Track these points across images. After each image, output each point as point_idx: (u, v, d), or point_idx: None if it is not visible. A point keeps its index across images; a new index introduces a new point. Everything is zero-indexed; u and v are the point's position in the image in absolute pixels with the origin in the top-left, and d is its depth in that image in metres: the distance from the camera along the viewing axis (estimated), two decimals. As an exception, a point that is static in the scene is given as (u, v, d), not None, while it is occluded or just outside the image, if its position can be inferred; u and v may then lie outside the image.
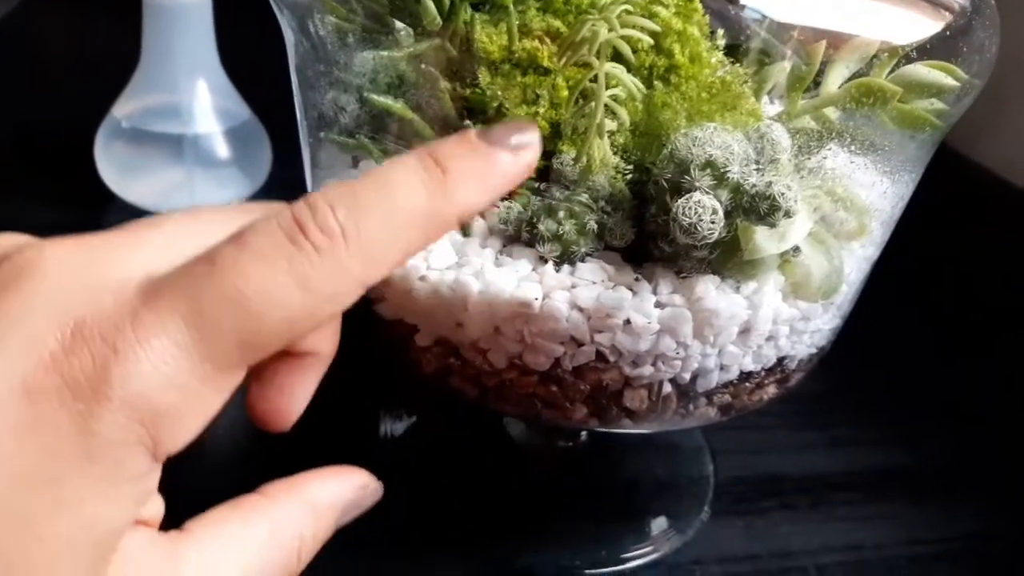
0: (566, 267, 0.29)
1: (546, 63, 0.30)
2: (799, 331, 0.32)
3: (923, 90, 0.31)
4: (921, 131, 0.31)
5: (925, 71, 0.30)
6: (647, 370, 0.30)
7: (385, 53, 0.30)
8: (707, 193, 0.27)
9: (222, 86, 0.60)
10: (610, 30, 0.27)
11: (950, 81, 0.30)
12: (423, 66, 0.30)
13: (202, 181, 0.59)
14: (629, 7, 0.28)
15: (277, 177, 0.63)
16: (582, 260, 0.29)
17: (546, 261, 0.29)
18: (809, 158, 0.30)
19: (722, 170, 0.27)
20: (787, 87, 0.32)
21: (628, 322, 0.29)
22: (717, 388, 0.32)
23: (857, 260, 0.33)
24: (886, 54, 0.30)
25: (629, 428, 0.32)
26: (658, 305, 0.29)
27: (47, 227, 0.61)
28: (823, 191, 0.30)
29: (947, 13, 0.32)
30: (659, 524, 0.43)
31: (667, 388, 0.31)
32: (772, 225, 0.27)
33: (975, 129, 0.61)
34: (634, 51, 0.30)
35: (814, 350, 0.34)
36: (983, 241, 0.62)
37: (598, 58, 0.28)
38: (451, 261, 0.30)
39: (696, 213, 0.26)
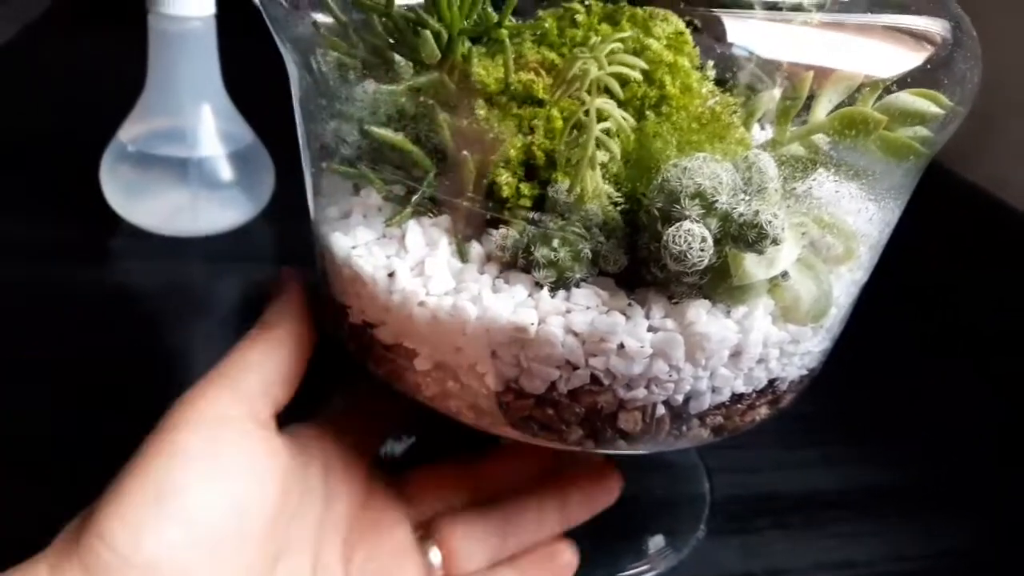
0: (561, 293, 0.31)
1: (541, 95, 0.31)
2: (789, 353, 0.33)
3: (908, 118, 0.32)
4: (906, 158, 0.32)
5: (910, 99, 0.32)
6: (641, 393, 0.31)
7: (385, 87, 0.31)
8: (696, 222, 0.28)
9: (226, 110, 0.61)
10: (600, 68, 0.28)
11: (934, 109, 0.32)
12: (422, 99, 0.31)
13: (206, 204, 0.61)
14: (619, 44, 0.29)
15: (280, 200, 0.64)
16: (577, 286, 0.31)
17: (542, 287, 0.30)
18: (797, 185, 0.31)
19: (711, 199, 0.28)
20: (776, 116, 0.33)
21: (622, 346, 0.30)
22: (709, 410, 0.33)
23: (845, 284, 0.34)
24: (868, 88, 0.31)
25: (624, 449, 0.33)
26: (651, 329, 0.30)
27: (53, 249, 0.63)
28: (811, 217, 0.31)
29: (929, 46, 0.33)
30: (656, 542, 0.43)
31: (660, 410, 0.32)
32: (760, 252, 0.28)
33: (967, 148, 0.62)
34: (626, 83, 0.31)
35: (805, 372, 0.35)
36: (975, 260, 0.63)
37: (589, 94, 0.29)
38: (449, 287, 0.31)
39: (686, 241, 0.27)
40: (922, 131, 0.32)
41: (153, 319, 0.55)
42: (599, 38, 0.30)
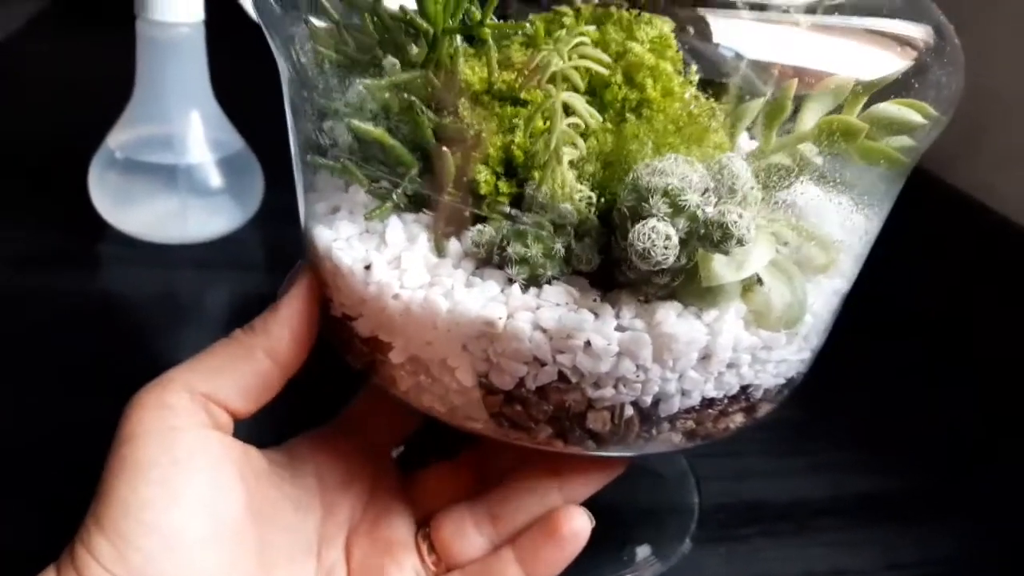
0: (532, 289, 0.31)
1: (524, 95, 0.32)
2: (762, 360, 0.33)
3: (892, 127, 0.32)
4: (887, 167, 0.33)
5: (894, 109, 0.32)
6: (608, 392, 0.31)
7: (369, 82, 0.31)
8: (663, 220, 0.28)
9: (215, 116, 0.62)
10: (562, 61, 0.29)
11: (918, 118, 0.32)
12: (404, 95, 0.32)
13: (195, 210, 0.61)
14: (586, 39, 0.29)
15: (269, 206, 0.65)
16: (549, 283, 0.31)
17: (514, 283, 0.31)
18: (779, 192, 0.31)
19: (678, 198, 0.28)
20: (761, 123, 0.33)
21: (588, 344, 0.30)
22: (680, 413, 0.33)
23: (824, 293, 0.35)
24: (859, 89, 0.32)
25: (593, 450, 0.33)
26: (619, 328, 0.30)
27: (41, 256, 0.63)
28: (790, 225, 0.32)
29: (912, 51, 0.33)
30: (642, 551, 0.43)
31: (629, 411, 0.32)
32: (726, 252, 0.28)
33: (954, 154, 0.62)
34: (607, 85, 0.31)
35: (782, 381, 0.36)
36: (964, 267, 0.63)
37: (554, 86, 0.29)
38: (424, 281, 0.32)
39: (650, 239, 0.28)
40: (905, 140, 0.33)
41: (142, 327, 0.55)
42: (563, 31, 0.31)
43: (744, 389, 0.34)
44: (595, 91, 0.32)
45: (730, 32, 0.33)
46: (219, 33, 0.60)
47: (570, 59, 0.29)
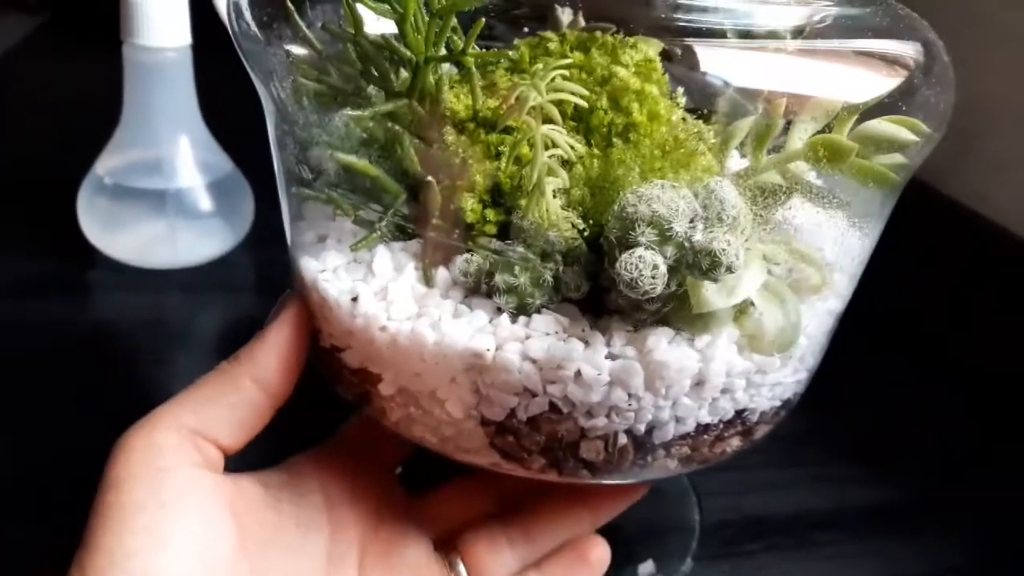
0: (522, 319, 0.31)
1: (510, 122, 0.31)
2: (757, 384, 0.33)
3: (883, 145, 0.32)
4: (880, 185, 0.33)
5: (885, 126, 0.32)
6: (601, 421, 0.31)
7: (352, 113, 0.31)
8: (651, 248, 0.28)
9: (204, 140, 0.62)
10: (540, 94, 0.29)
11: (909, 136, 0.32)
12: (389, 125, 0.32)
13: (185, 234, 0.61)
14: (563, 72, 0.29)
15: (260, 228, 0.64)
16: (538, 312, 0.31)
17: (503, 312, 0.31)
18: (769, 213, 0.31)
19: (665, 227, 0.28)
20: (751, 143, 0.33)
21: (579, 373, 0.30)
22: (674, 440, 0.33)
23: (818, 313, 0.35)
24: (845, 112, 0.32)
25: (588, 480, 0.33)
26: (610, 357, 0.30)
27: (29, 281, 0.63)
28: (783, 246, 0.32)
29: (902, 70, 0.33)
30: (645, 569, 0.43)
31: (623, 439, 0.32)
32: (715, 280, 0.28)
33: (947, 164, 0.62)
34: (593, 110, 0.31)
35: (777, 403, 0.36)
36: (958, 276, 0.63)
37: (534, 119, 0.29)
38: (411, 312, 0.32)
39: (637, 268, 0.28)
40: (897, 158, 0.33)
41: (132, 353, 0.55)
42: (540, 64, 0.30)
43: (739, 413, 0.34)
44: (581, 116, 0.32)
45: (717, 60, 0.33)
46: (207, 54, 0.60)
47: (549, 92, 0.29)
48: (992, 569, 0.46)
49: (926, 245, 0.63)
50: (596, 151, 0.32)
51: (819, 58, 0.34)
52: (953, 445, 0.56)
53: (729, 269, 0.27)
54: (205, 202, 0.61)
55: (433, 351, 0.30)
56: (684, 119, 0.32)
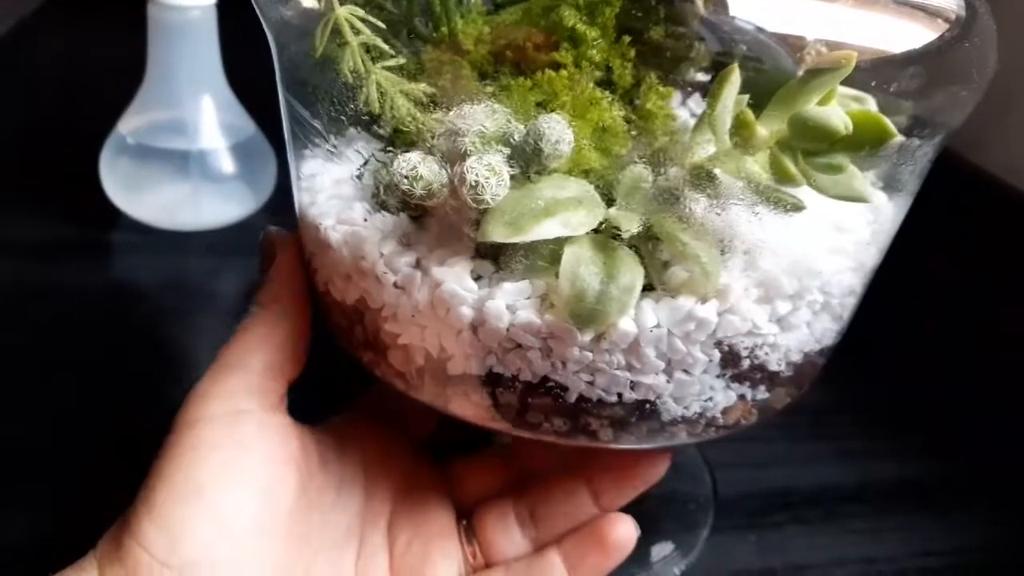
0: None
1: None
2: (548, 350, 0.31)
3: (809, 134, 0.28)
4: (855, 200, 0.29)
5: (817, 112, 0.28)
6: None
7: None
8: (431, 155, 0.28)
9: (227, 101, 0.62)
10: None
11: (840, 126, 0.27)
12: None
13: (208, 196, 0.62)
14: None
15: (283, 191, 0.65)
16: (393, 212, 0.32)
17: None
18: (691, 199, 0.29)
19: (456, 140, 0.28)
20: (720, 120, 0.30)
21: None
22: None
23: (678, 311, 0.30)
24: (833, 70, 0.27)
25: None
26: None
27: (52, 245, 0.64)
28: (684, 234, 0.29)
29: (943, 23, 0.32)
30: (662, 548, 0.43)
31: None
32: (476, 204, 0.28)
33: (979, 135, 0.62)
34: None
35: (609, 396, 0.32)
36: (991, 249, 0.63)
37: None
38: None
39: (401, 168, 0.28)
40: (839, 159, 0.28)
41: (155, 314, 0.56)
42: None
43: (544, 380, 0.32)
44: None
45: (747, 3, 0.32)
46: (231, 16, 0.61)
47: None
48: (1019, 546, 0.46)
49: (956, 217, 0.63)
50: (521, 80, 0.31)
51: (856, 4, 0.32)
52: (981, 418, 0.56)
53: (486, 202, 0.27)
54: (228, 164, 0.62)
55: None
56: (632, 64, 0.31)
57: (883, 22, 0.33)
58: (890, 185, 0.34)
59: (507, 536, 0.37)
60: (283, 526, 0.32)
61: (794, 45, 0.31)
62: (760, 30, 0.31)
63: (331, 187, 0.35)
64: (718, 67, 0.30)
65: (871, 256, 0.35)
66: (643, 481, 0.38)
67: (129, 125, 0.61)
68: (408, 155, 0.28)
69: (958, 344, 0.62)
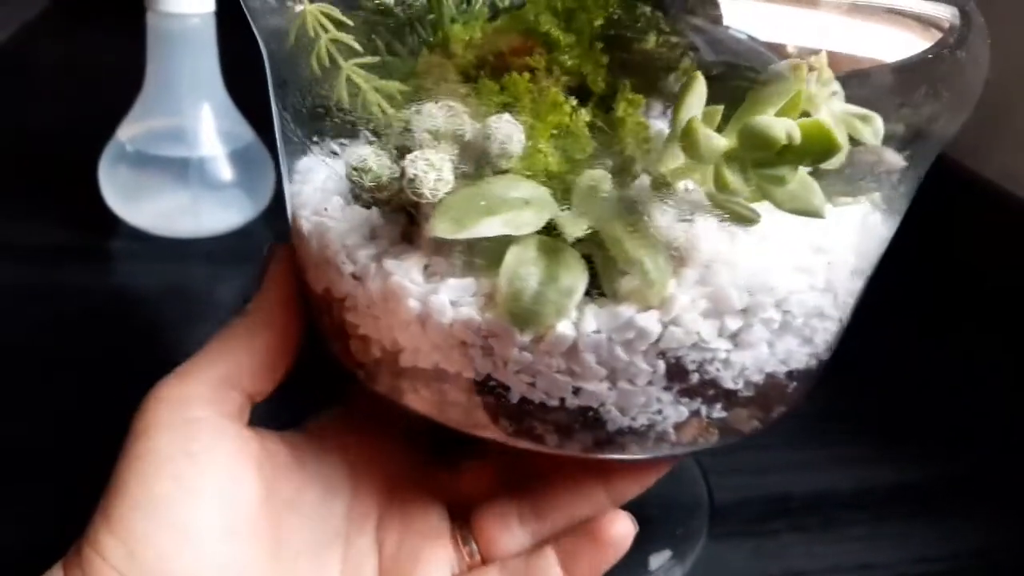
0: None
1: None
2: (490, 349, 0.31)
3: (754, 142, 0.27)
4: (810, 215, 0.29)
5: (764, 121, 0.27)
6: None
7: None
8: (384, 150, 0.29)
9: (226, 109, 0.63)
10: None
11: (781, 134, 0.26)
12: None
13: (207, 204, 0.62)
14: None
15: (281, 199, 0.65)
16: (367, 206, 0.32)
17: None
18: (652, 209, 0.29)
19: (404, 135, 0.29)
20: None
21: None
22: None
23: (618, 318, 0.30)
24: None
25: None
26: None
27: (51, 251, 0.64)
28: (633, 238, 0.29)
29: (936, 32, 0.32)
30: (659, 556, 0.43)
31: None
32: (415, 199, 0.28)
33: (976, 141, 0.62)
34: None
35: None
36: (989, 255, 0.63)
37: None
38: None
39: (355, 163, 0.29)
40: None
41: (154, 322, 0.56)
42: None
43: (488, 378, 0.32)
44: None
45: (741, 13, 0.31)
46: (229, 24, 0.61)
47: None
48: (1017, 551, 0.46)
49: (953, 222, 0.63)
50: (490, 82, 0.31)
51: (850, 14, 0.32)
52: (980, 426, 0.56)
53: (425, 196, 0.28)
54: (227, 171, 0.62)
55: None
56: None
57: (877, 31, 0.33)
58: (878, 206, 0.34)
59: (508, 534, 0.37)
60: (249, 530, 0.32)
61: (783, 55, 0.30)
62: (754, 39, 0.31)
63: (320, 183, 0.36)
64: (711, 77, 0.30)
65: (846, 279, 0.34)
66: (653, 472, 0.38)
67: (128, 132, 0.61)
68: (360, 148, 0.29)
69: (956, 350, 0.62)
